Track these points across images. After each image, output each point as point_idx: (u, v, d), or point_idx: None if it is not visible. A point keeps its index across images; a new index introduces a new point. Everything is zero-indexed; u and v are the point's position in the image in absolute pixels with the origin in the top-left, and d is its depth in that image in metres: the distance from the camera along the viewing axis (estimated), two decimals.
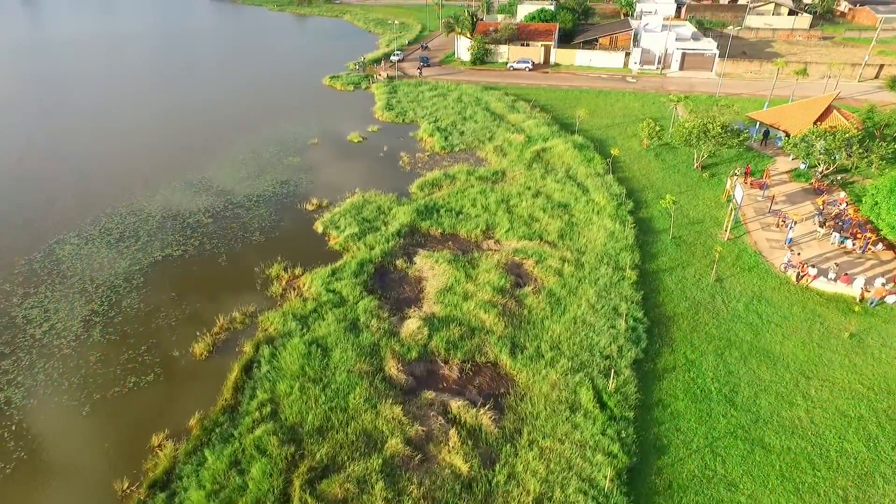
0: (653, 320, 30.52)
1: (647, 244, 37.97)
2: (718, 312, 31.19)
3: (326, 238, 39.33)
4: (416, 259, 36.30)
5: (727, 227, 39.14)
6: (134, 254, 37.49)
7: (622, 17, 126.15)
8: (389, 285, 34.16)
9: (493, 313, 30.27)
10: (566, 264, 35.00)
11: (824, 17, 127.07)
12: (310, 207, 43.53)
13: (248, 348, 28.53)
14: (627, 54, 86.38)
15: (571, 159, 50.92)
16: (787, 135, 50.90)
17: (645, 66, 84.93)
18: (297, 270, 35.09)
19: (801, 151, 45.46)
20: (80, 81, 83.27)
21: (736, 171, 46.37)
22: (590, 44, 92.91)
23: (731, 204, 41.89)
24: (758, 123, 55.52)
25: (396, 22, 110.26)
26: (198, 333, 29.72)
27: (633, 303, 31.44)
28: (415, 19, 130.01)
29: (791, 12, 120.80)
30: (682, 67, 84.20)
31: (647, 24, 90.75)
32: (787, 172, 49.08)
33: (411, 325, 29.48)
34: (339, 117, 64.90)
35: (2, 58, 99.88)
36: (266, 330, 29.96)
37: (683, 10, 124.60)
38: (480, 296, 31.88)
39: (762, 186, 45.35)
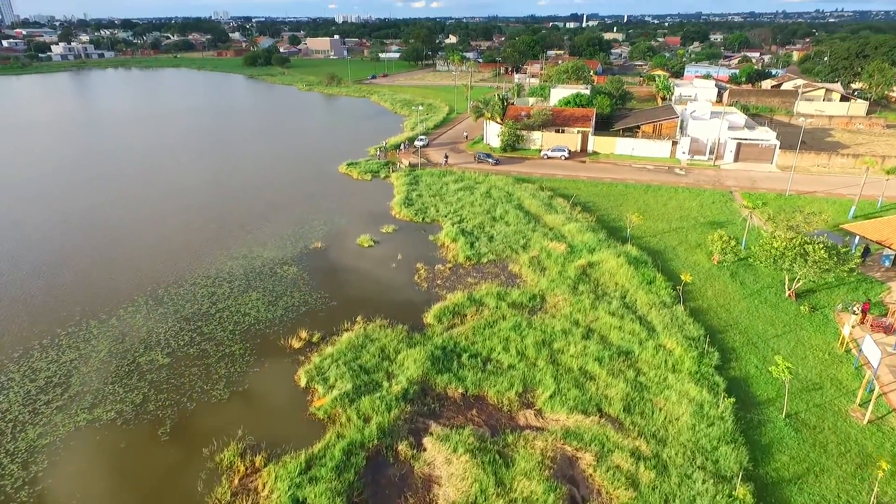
0: None
1: (752, 427, 26.98)
2: None
3: (309, 397, 29.48)
4: (427, 442, 25.99)
5: (866, 403, 28.03)
6: (52, 415, 28.12)
7: (659, 101, 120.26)
8: (384, 491, 23.71)
9: None
10: (641, 465, 24.18)
11: (879, 103, 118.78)
12: (296, 344, 34.08)
13: None
14: (674, 143, 78.28)
15: (627, 280, 41.00)
16: None
17: (695, 157, 76.38)
18: (259, 458, 25.03)
19: None
20: (89, 164, 78.57)
21: (854, 310, 35.52)
22: (631, 131, 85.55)
23: (855, 358, 31.05)
24: (857, 237, 45.18)
25: (421, 107, 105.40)
26: None
27: None
28: (442, 101, 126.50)
29: (843, 98, 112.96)
30: (737, 159, 75.38)
31: (694, 111, 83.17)
32: None
33: None
34: (351, 214, 56.96)
35: (35, 134, 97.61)
36: None
37: (726, 95, 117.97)
38: None
39: (888, 329, 34.39)
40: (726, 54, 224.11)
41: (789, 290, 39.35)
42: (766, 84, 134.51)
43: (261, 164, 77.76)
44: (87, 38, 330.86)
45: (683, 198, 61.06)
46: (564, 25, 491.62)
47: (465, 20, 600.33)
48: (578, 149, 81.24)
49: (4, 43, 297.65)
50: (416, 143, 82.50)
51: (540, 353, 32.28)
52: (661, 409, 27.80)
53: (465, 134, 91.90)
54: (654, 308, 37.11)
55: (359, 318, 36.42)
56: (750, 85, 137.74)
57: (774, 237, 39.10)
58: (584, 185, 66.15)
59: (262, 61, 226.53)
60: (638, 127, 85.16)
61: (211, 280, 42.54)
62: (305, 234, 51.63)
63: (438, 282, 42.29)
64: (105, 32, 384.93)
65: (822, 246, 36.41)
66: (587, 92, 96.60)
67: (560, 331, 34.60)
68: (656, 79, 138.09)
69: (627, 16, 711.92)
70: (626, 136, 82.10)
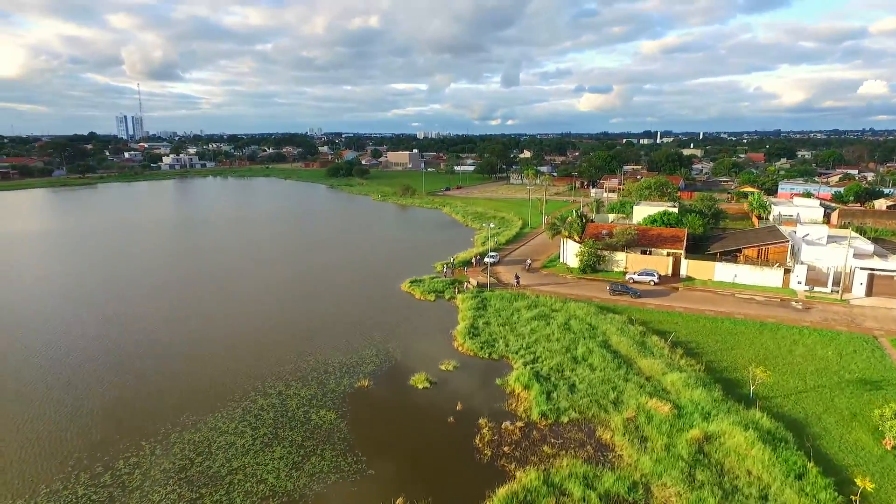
0: None
1: None
2: None
3: None
4: None
5: None
6: None
7: (755, 220, 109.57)
8: None
9: None
10: None
11: None
12: None
13: None
14: (787, 271, 67.19)
15: (764, 468, 30.03)
16: None
17: (815, 289, 64.58)
18: None
19: None
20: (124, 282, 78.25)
21: None
22: (730, 254, 75.43)
23: None
24: None
25: (493, 224, 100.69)
26: None
27: None
28: (515, 214, 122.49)
29: None
30: (870, 293, 62.86)
31: (807, 235, 72.50)
32: None
33: None
34: (408, 343, 49.91)
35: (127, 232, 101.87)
36: None
37: (834, 215, 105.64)
38: None
39: None
40: (820, 171, 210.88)
41: None
42: (880, 204, 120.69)
43: (321, 277, 74.07)
44: (194, 150, 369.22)
45: (813, 342, 49.39)
46: (638, 141, 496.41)
47: (538, 136, 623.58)
48: (669, 273, 71.79)
49: (126, 154, 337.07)
50: (487, 259, 76.51)
51: None
52: None
53: (528, 262, 77.83)
54: None
55: (399, 501, 27.75)
56: (859, 204, 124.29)
57: None
58: (682, 318, 56.07)
59: (343, 172, 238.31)
60: (739, 250, 74.98)
61: (234, 425, 35.80)
62: (353, 367, 44.70)
63: (506, 448, 33.16)
64: (211, 146, 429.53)
65: None
66: (675, 210, 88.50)
67: None
68: (748, 196, 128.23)
69: (703, 132, 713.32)
70: (726, 261, 72.01)
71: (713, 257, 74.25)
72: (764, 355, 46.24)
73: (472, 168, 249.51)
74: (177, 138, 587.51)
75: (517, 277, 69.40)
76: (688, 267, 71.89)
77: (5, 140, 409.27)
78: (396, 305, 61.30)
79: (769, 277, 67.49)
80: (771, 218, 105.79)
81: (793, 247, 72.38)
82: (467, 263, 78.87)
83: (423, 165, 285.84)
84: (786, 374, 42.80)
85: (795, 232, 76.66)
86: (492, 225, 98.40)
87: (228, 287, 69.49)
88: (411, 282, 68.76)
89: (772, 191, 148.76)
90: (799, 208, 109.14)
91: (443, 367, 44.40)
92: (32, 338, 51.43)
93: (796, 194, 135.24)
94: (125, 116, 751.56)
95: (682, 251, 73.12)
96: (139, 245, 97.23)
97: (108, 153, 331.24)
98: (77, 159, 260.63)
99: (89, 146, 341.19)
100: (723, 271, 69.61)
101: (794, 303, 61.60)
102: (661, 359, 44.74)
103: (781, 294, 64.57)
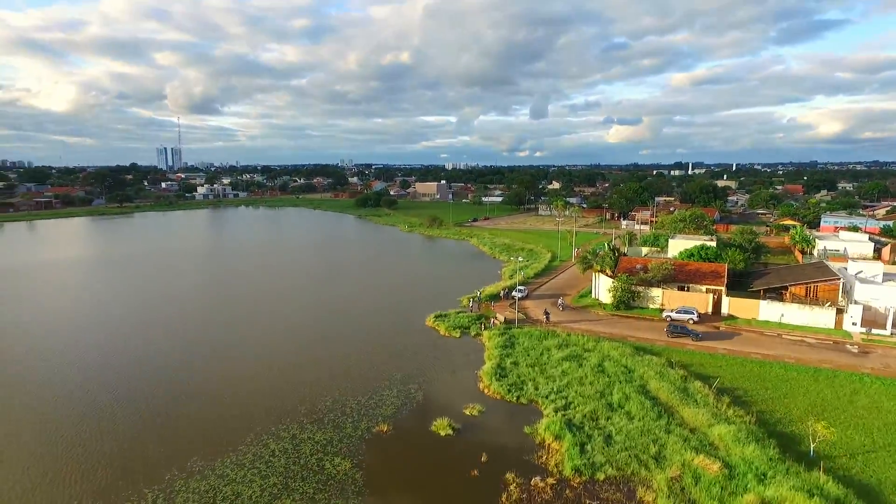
0: None
1: None
2: None
3: None
4: None
5: None
6: None
7: (798, 255, 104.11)
8: None
9: None
10: None
11: None
12: None
13: None
14: (839, 311, 62.37)
15: None
16: None
17: (873, 331, 59.57)
18: None
19: None
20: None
21: None
22: (774, 291, 70.85)
23: None
24: None
25: (521, 257, 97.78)
26: None
27: None
28: (544, 246, 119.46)
29: None
30: None
31: (860, 272, 67.61)
32: None
33: None
34: (431, 384, 47.19)
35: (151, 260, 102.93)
36: None
37: (885, 250, 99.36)
38: None
39: None
40: (864, 203, 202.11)
41: None
42: None
43: (343, 309, 72.17)
44: (228, 180, 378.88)
45: (876, 392, 44.76)
46: (669, 173, 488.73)
47: (567, 167, 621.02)
48: (710, 311, 67.62)
49: (163, 184, 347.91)
50: (515, 293, 73.58)
51: None
52: None
53: (559, 302, 72.35)
54: None
55: None
56: None
57: None
58: (725, 361, 51.98)
59: (371, 203, 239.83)
60: (785, 288, 70.35)
61: (243, 472, 33.48)
62: (372, 409, 42.16)
63: None
64: (245, 176, 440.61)
65: None
66: (713, 244, 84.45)
67: None
68: (790, 230, 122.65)
69: (736, 164, 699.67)
70: (771, 299, 67.47)
71: (756, 294, 69.86)
72: (822, 406, 41.94)
73: (499, 199, 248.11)
74: (213, 169, 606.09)
75: (546, 313, 66.23)
76: (729, 305, 67.62)
77: (53, 171, 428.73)
78: (420, 342, 58.76)
79: (819, 318, 62.69)
80: (815, 253, 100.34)
81: (844, 284, 67.51)
82: (494, 297, 76.09)
83: (450, 196, 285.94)
84: (849, 429, 38.46)
85: (846, 268, 71.78)
86: (520, 258, 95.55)
87: (247, 317, 68.18)
88: (436, 316, 66.28)
89: (814, 224, 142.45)
90: (846, 243, 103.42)
91: (467, 412, 41.47)
92: (53, 366, 50.58)
93: (841, 228, 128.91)
94: (165, 148, 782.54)
95: (724, 288, 68.99)
96: (160, 272, 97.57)
97: (146, 183, 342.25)
98: (116, 189, 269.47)
99: (129, 176, 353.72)
100: (768, 310, 65.07)
101: (849, 346, 56.75)
102: (705, 408, 40.90)
103: (834, 336, 59.70)
